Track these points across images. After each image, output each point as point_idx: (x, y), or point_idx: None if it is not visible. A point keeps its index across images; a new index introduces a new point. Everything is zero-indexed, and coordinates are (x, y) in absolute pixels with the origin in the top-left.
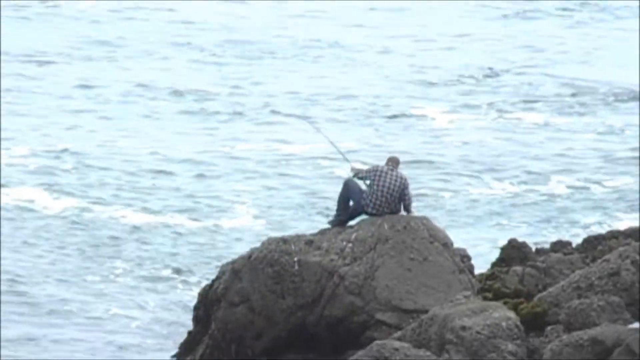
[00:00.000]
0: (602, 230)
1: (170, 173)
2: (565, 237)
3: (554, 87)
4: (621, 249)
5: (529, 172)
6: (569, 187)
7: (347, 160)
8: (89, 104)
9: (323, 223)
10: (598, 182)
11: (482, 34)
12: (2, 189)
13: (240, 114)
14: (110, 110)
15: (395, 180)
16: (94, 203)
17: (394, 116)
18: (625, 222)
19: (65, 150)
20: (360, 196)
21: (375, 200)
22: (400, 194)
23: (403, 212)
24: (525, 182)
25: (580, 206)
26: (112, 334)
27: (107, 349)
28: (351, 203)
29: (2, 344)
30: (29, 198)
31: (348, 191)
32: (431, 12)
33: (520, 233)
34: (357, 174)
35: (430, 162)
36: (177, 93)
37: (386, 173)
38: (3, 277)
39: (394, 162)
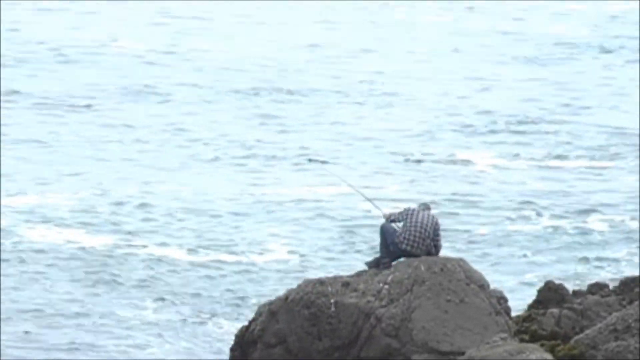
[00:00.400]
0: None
1: (206, 213)
2: (602, 275)
3: (589, 132)
4: None
5: (567, 211)
6: (607, 223)
7: (377, 207)
8: (128, 147)
9: (359, 262)
10: (635, 219)
11: (513, 77)
12: (41, 228)
13: (277, 157)
14: (149, 152)
15: (428, 218)
16: (131, 240)
17: (436, 161)
18: None
19: (106, 191)
20: (395, 235)
21: (409, 237)
22: (434, 233)
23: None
24: (564, 218)
25: (618, 242)
26: None
27: None
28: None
29: None
30: (68, 237)
31: (385, 234)
32: (461, 56)
33: (557, 269)
34: (390, 217)
35: (470, 202)
36: (215, 137)
37: (418, 212)
38: (47, 310)
39: (425, 205)
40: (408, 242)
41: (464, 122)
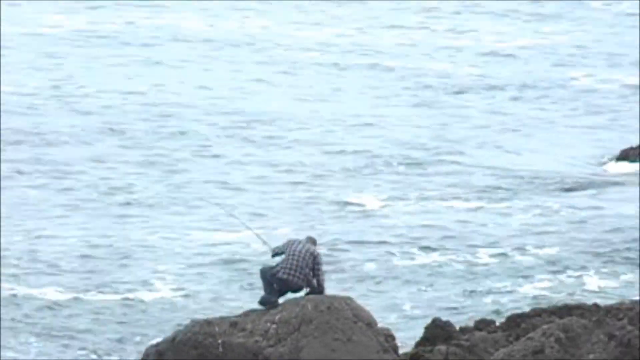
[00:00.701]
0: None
1: (91, 256)
2: (487, 308)
3: (476, 172)
4: (545, 326)
5: (455, 248)
6: (494, 258)
7: (266, 243)
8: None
9: (249, 302)
10: (522, 250)
11: (396, 116)
12: None
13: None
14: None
15: (307, 249)
16: (10, 282)
17: (325, 202)
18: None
19: None
20: (274, 268)
21: (286, 265)
22: (313, 264)
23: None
24: (451, 254)
25: (506, 275)
26: None
27: None
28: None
29: None
30: None
31: (264, 273)
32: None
33: (444, 303)
34: (275, 250)
35: (359, 241)
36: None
37: (299, 242)
38: None
39: (310, 239)
40: (285, 270)
41: (349, 163)
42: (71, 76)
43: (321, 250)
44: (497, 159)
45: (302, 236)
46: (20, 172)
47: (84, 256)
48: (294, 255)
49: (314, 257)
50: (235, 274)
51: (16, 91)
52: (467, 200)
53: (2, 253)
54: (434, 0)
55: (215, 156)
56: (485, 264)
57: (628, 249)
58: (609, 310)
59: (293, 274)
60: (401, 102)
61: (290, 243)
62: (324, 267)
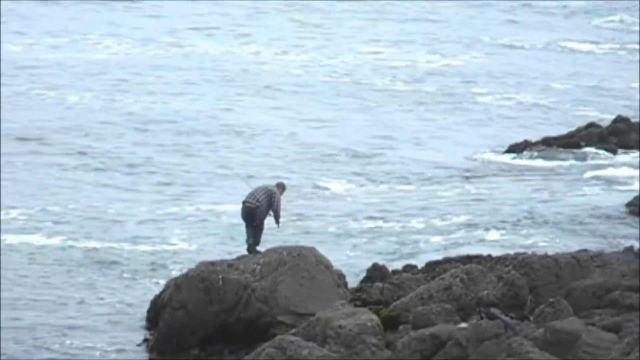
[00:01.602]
0: (440, 255)
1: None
2: (414, 256)
3: (409, 165)
4: (452, 270)
5: (395, 217)
6: (420, 222)
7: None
8: None
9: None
10: (442, 217)
11: (348, 119)
12: None
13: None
14: None
15: (266, 187)
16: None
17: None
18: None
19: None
20: None
21: (247, 195)
22: (269, 197)
23: (272, 218)
24: (390, 220)
25: (429, 234)
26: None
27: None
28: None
29: None
30: None
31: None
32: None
33: (383, 254)
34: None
35: (325, 214)
36: None
37: (263, 184)
38: None
39: (279, 184)
40: (245, 198)
41: (313, 154)
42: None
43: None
44: (421, 153)
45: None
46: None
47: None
48: (253, 189)
49: (271, 193)
50: (235, 232)
51: None
52: (404, 183)
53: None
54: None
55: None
56: (415, 227)
57: (513, 216)
58: (499, 259)
59: (248, 199)
60: (350, 109)
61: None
62: (282, 205)
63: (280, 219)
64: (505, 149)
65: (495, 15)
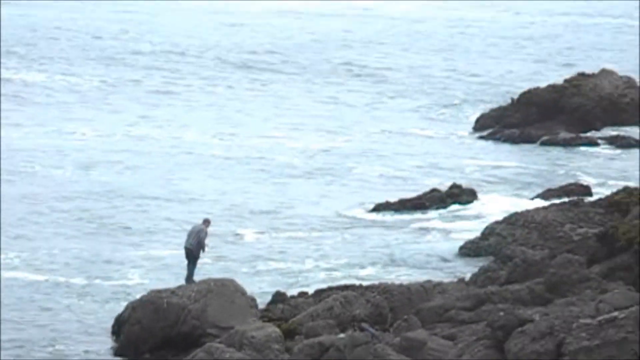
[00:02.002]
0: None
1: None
2: (305, 289)
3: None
4: (334, 295)
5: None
6: (313, 262)
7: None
8: None
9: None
10: (329, 259)
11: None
12: None
13: None
14: None
15: (197, 226)
16: None
17: None
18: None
19: None
20: None
21: (186, 240)
22: (198, 235)
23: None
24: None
25: (318, 272)
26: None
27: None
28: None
29: None
30: None
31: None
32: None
33: (282, 287)
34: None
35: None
36: None
37: (197, 225)
38: None
39: (205, 220)
40: (185, 242)
41: (234, 210)
42: None
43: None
44: (312, 209)
45: None
46: None
47: None
48: (189, 231)
49: (199, 230)
50: (176, 269)
51: None
52: (298, 232)
53: None
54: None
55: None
56: (307, 265)
57: (378, 257)
58: (367, 287)
59: (186, 244)
60: (261, 179)
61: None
62: (207, 240)
63: (206, 248)
64: (372, 207)
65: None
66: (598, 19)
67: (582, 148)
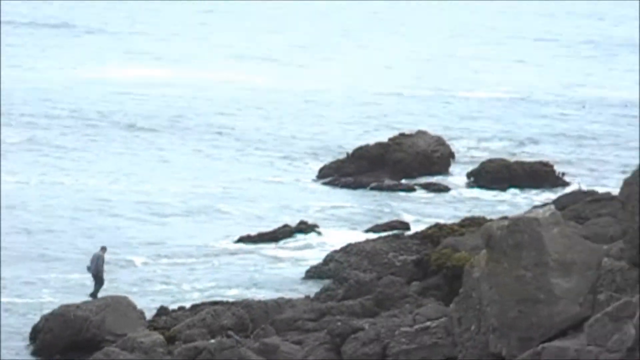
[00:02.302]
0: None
1: None
2: (184, 304)
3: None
4: (206, 309)
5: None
6: (190, 284)
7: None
8: None
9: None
10: (202, 281)
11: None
12: None
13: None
14: None
15: (95, 254)
16: None
17: None
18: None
19: None
20: None
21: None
22: (96, 260)
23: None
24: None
25: (194, 292)
26: None
27: None
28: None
29: None
30: None
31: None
32: None
33: (165, 302)
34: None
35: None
36: None
37: (97, 252)
38: None
39: (102, 248)
40: (87, 266)
41: (123, 240)
42: None
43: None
44: (190, 241)
45: None
46: None
47: None
48: (92, 257)
49: (97, 257)
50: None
51: None
52: (175, 258)
53: None
54: None
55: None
56: (184, 285)
57: (241, 280)
58: (233, 303)
59: (88, 268)
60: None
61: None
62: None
63: (105, 267)
64: (236, 239)
65: (229, 161)
66: (419, 91)
67: (402, 193)
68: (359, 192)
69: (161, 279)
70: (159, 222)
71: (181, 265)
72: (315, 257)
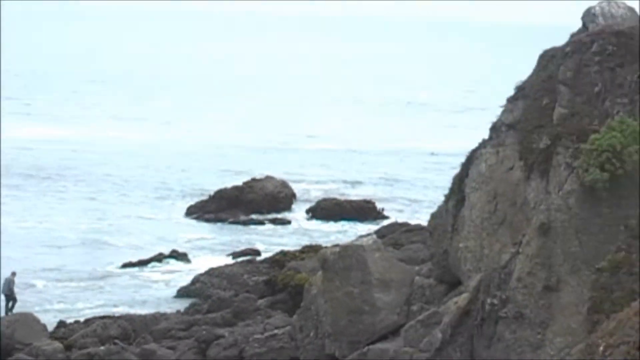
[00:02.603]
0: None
1: None
2: (79, 318)
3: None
4: (97, 322)
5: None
6: (84, 303)
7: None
8: None
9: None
10: (92, 302)
11: None
12: None
13: None
14: None
15: (7, 278)
16: None
17: None
18: None
19: None
20: None
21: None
22: (7, 284)
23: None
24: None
25: (87, 310)
26: None
27: None
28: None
29: None
30: None
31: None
32: None
33: (63, 317)
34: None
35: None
36: None
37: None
38: None
39: (12, 273)
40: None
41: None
42: None
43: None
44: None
45: None
46: None
47: None
48: (3, 282)
49: (8, 281)
50: None
51: None
52: (70, 281)
53: None
54: None
55: None
56: (78, 305)
57: (122, 300)
58: (119, 317)
59: (2, 287)
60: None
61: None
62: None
63: (15, 289)
64: (121, 265)
65: (115, 202)
66: (266, 143)
67: (254, 226)
68: (219, 225)
69: (59, 298)
70: (57, 252)
71: (75, 287)
72: (184, 279)
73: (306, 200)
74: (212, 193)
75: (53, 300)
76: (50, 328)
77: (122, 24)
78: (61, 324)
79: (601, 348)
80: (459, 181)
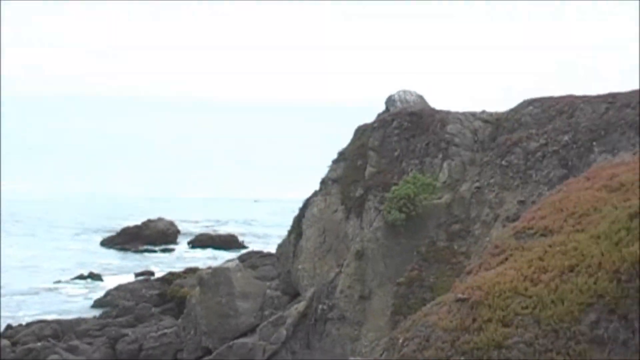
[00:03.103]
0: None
1: None
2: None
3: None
4: (32, 327)
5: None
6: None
7: None
8: None
9: None
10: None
11: None
12: None
13: None
14: None
15: None
16: None
17: None
18: None
19: None
20: None
21: None
22: None
23: None
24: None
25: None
26: None
27: None
28: None
29: None
30: None
31: None
32: None
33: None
34: None
35: None
36: None
37: None
38: None
39: None
40: None
41: None
42: None
43: None
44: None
45: None
46: None
47: None
48: None
49: None
50: None
51: None
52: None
53: None
54: None
55: None
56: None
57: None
58: (51, 321)
59: None
60: None
61: None
62: None
63: None
64: (53, 282)
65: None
66: (158, 193)
67: (149, 254)
68: (124, 253)
69: (7, 308)
70: (4, 274)
71: (19, 300)
72: (99, 293)
73: (187, 234)
74: (119, 230)
75: (2, 310)
76: (1, 330)
77: None
78: (8, 327)
79: (400, 340)
80: (298, 220)
